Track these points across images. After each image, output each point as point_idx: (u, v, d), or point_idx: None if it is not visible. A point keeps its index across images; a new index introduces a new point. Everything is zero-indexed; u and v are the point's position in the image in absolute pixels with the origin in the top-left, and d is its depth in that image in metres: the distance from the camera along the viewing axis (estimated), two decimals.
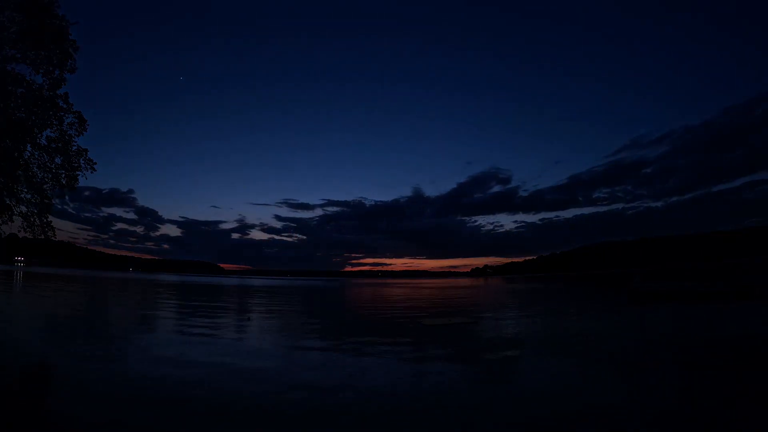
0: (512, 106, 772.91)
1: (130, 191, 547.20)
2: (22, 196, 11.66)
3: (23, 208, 11.75)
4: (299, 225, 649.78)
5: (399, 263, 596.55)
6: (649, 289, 25.95)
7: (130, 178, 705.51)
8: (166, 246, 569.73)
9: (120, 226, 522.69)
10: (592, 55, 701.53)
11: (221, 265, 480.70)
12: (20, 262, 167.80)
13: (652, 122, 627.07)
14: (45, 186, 11.90)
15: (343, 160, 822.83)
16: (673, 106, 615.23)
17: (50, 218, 12.37)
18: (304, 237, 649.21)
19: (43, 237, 12.24)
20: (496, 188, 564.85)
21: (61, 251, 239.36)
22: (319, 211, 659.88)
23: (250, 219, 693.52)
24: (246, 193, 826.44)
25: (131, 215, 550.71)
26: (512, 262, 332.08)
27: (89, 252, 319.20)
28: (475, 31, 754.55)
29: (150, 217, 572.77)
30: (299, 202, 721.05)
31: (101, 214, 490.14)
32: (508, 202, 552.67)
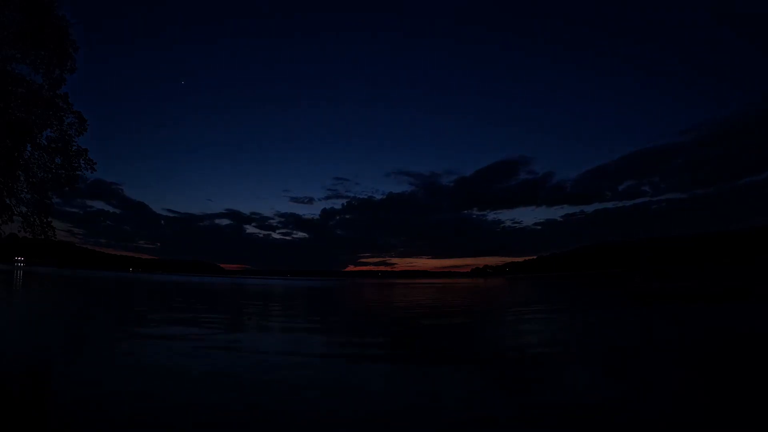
0: (538, 95, 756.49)
1: (117, 183, 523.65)
2: (22, 196, 11.62)
3: (23, 208, 11.72)
4: (301, 222, 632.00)
5: (405, 263, 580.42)
6: (647, 290, 25.93)
7: (117, 169, 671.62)
8: (159, 244, 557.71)
9: (109, 221, 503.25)
10: (623, 44, 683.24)
11: (222, 266, 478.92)
12: (20, 262, 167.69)
13: (682, 113, 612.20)
14: (45, 186, 11.87)
15: (352, 150, 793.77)
16: (705, 95, 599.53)
17: (50, 218, 12.33)
18: (306, 235, 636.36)
19: (43, 237, 12.21)
20: (520, 179, 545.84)
21: (60, 251, 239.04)
22: (322, 205, 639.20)
23: (249, 215, 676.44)
24: (244, 186, 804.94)
25: (118, 209, 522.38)
26: (512, 262, 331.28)
27: (89, 252, 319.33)
28: (503, 15, 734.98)
29: (140, 212, 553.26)
30: (301, 196, 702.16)
31: (89, 210, 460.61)
32: (531, 195, 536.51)
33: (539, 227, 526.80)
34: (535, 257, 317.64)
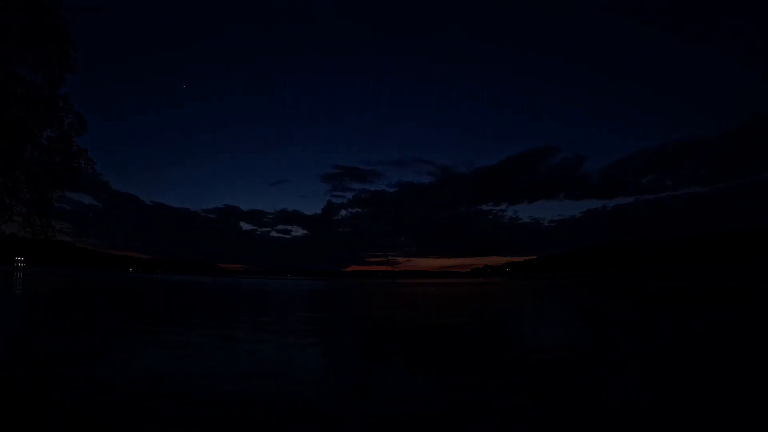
0: (567, 85, 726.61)
1: (103, 175, 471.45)
2: (22, 196, 11.60)
3: (23, 208, 11.70)
4: (302, 218, 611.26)
5: (408, 262, 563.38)
6: (646, 291, 25.92)
7: (104, 161, 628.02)
8: (154, 242, 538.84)
9: (98, 216, 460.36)
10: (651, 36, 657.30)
11: (221, 265, 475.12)
12: (20, 262, 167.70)
13: (708, 105, 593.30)
14: (45, 186, 11.85)
15: (361, 138, 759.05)
16: (737, 87, 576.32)
17: (50, 218, 12.29)
18: (306, 232, 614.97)
19: (43, 237, 12.18)
20: (544, 168, 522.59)
21: (59, 251, 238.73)
22: (327, 198, 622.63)
23: (247, 211, 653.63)
24: (242, 181, 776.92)
25: (106, 203, 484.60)
26: (512, 262, 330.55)
27: (89, 252, 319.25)
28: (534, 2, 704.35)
29: (130, 205, 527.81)
30: (303, 191, 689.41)
31: (76, 204, 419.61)
32: (555, 188, 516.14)
33: (554, 224, 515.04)
34: (535, 257, 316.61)
